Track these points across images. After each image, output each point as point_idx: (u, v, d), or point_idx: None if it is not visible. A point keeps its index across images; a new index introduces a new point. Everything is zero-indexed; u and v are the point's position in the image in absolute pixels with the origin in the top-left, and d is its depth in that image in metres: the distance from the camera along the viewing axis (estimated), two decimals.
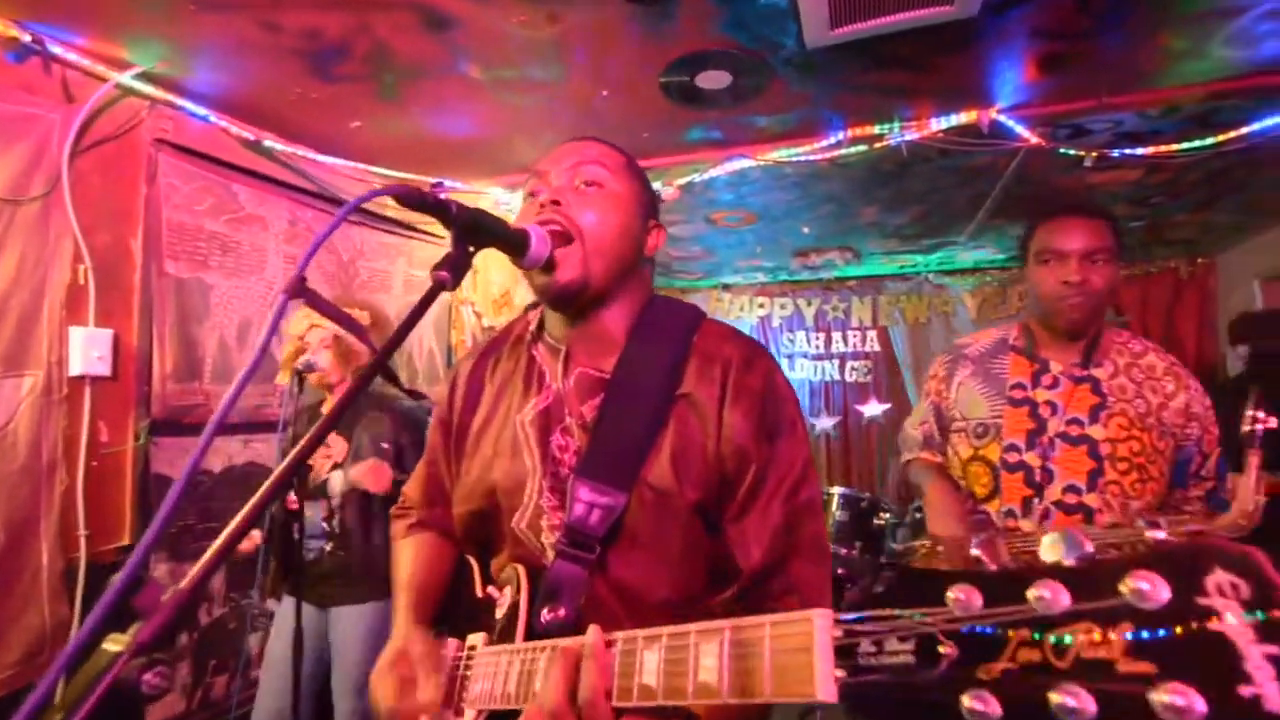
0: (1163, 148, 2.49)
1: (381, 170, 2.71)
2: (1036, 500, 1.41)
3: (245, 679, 2.46)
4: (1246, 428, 1.22)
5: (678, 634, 0.55)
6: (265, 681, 2.11)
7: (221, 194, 2.44)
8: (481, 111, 2.42)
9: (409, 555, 1.01)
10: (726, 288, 5.56)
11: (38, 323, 1.94)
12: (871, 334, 5.34)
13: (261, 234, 2.56)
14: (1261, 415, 1.21)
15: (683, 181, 2.90)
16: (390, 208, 3.17)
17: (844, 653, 0.42)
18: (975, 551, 1.30)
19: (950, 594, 0.36)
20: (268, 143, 2.51)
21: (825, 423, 5.41)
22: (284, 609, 2.08)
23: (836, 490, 3.74)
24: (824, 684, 0.42)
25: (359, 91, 2.28)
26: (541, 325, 0.98)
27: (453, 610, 0.98)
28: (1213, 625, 0.28)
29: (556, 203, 0.87)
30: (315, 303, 0.59)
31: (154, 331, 2.22)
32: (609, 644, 0.62)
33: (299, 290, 0.57)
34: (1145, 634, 0.29)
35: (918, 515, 3.30)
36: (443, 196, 0.73)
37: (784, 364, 5.54)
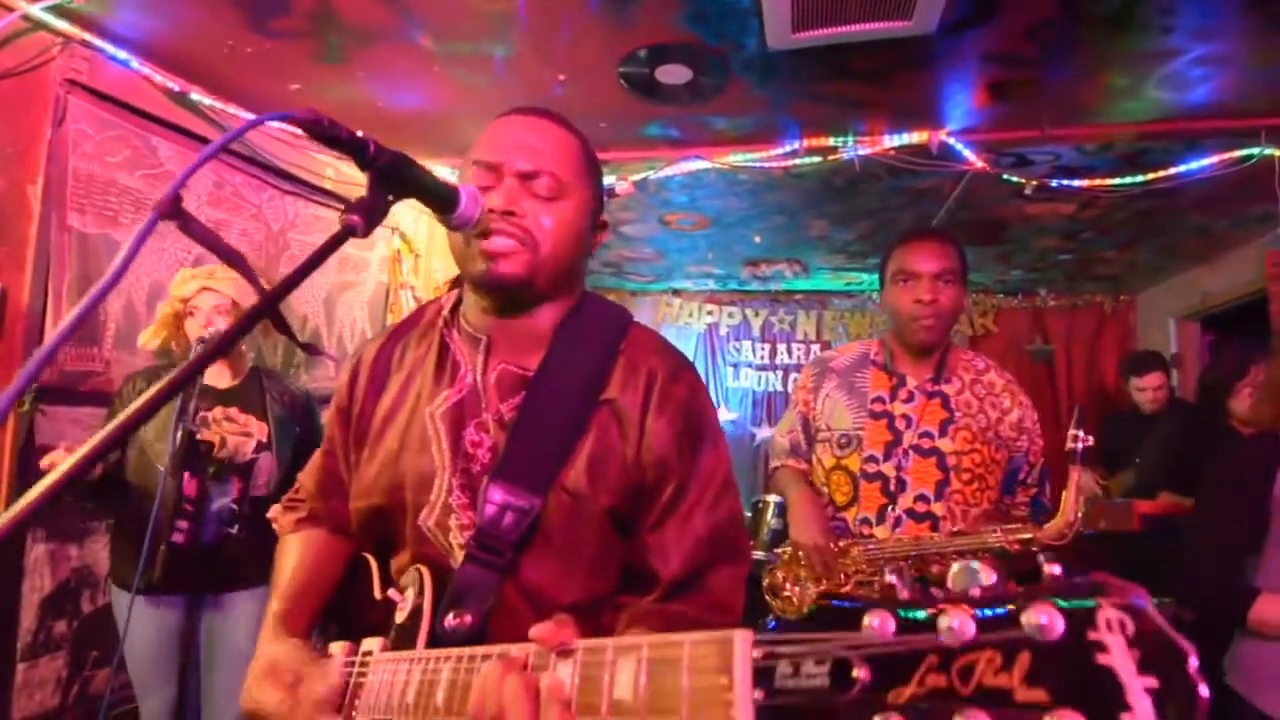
0: (1097, 181, 2.60)
1: None
2: (890, 508, 1.50)
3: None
4: (1069, 445, 1.31)
5: (594, 649, 0.52)
6: (141, 685, 1.90)
7: (139, 146, 2.25)
8: (431, 85, 2.32)
9: (292, 556, 0.92)
10: (676, 293, 5.55)
11: None
12: (815, 348, 5.41)
13: (183, 194, 2.38)
14: (1081, 434, 1.30)
15: (637, 178, 2.86)
16: (330, 180, 3.02)
17: (763, 674, 0.42)
18: (890, 578, 1.33)
19: (866, 620, 0.38)
20: (195, 96, 2.34)
21: (765, 433, 5.44)
22: (142, 604, 1.82)
23: (772, 498, 3.76)
24: (742, 706, 0.42)
25: (299, 50, 2.15)
26: (456, 310, 0.92)
27: (344, 611, 0.91)
28: (1100, 659, 0.30)
29: (511, 213, 0.80)
30: (190, 227, 0.51)
31: (50, 289, 2.03)
32: (523, 659, 0.57)
33: (173, 210, 0.49)
34: (1040, 664, 0.32)
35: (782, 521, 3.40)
36: (360, 134, 0.66)
37: (729, 373, 5.57)
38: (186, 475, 1.83)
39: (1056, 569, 0.35)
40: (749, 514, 3.86)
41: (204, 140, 2.42)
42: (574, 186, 0.84)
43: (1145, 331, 4.76)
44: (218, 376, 2.05)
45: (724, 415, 5.43)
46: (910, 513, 1.49)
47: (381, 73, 2.26)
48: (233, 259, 0.56)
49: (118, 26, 2.06)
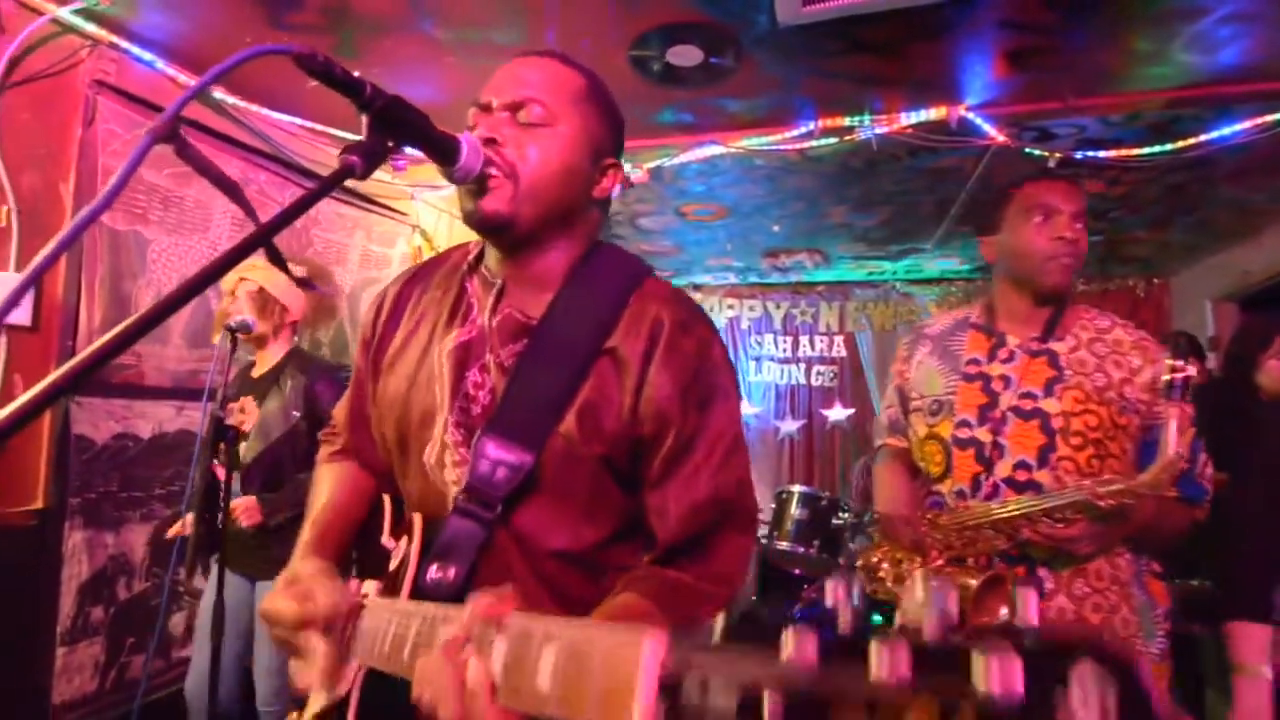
0: (1124, 152, 2.53)
1: (337, 132, 2.62)
2: (985, 477, 1.36)
3: (166, 659, 2.32)
4: (1165, 377, 1.17)
5: (526, 632, 0.49)
6: (195, 657, 2.01)
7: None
8: (442, 76, 2.35)
9: (323, 487, 0.95)
10: (697, 288, 5.54)
11: None
12: (838, 339, 5.36)
13: (208, 191, 2.44)
14: (1180, 364, 1.15)
15: (652, 165, 2.86)
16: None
17: (670, 689, 0.37)
18: (829, 587, 1.25)
19: (785, 642, 0.32)
20: (217, 94, 2.40)
21: (789, 426, 5.40)
22: (212, 581, 1.96)
23: (796, 488, 3.72)
24: (640, 717, 0.38)
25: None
26: (480, 256, 0.92)
27: (363, 552, 0.92)
28: None
29: (492, 140, 0.78)
30: (186, 151, 0.52)
31: (82, 283, 2.09)
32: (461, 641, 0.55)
33: (169, 134, 0.50)
34: None
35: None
36: (357, 75, 0.66)
37: (750, 367, 5.54)
38: (215, 463, 1.88)
39: (1033, 604, 0.28)
40: (773, 505, 3.82)
41: (226, 138, 2.48)
42: (565, 115, 0.81)
43: (1181, 315, 4.62)
44: (259, 366, 2.12)
45: (747, 409, 5.39)
46: (1009, 481, 1.33)
47: (394, 64, 2.29)
48: (228, 187, 0.57)
49: (142, 28, 2.12)
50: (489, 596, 0.55)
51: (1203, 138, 2.42)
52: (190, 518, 2.00)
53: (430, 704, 0.55)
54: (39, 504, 2.01)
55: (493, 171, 0.78)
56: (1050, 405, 1.34)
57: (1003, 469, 1.35)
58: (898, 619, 0.30)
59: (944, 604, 0.29)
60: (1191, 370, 1.15)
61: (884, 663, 0.28)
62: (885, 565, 1.47)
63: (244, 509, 1.92)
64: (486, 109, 0.82)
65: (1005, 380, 1.39)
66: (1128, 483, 1.17)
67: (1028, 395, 1.36)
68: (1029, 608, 0.28)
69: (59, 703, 2.06)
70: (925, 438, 1.48)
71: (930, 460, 1.47)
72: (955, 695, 0.26)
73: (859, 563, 1.54)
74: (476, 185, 0.78)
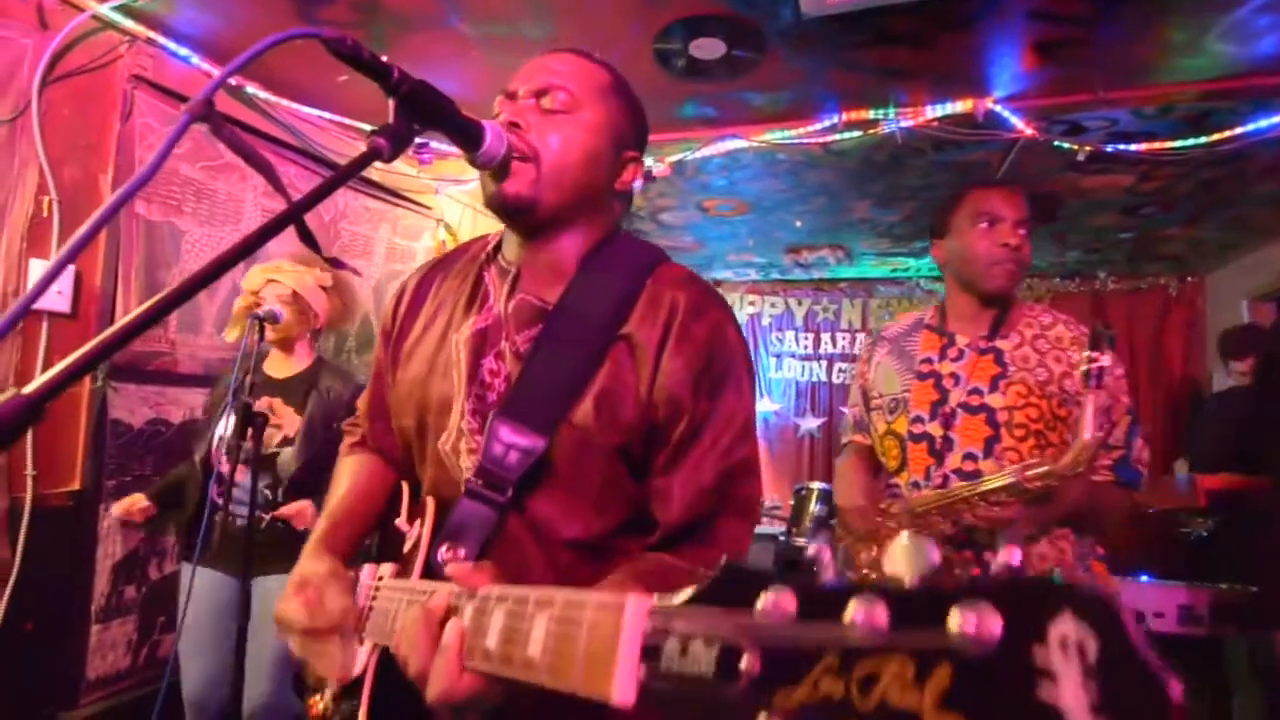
0: (1155, 145, 2.48)
1: (367, 126, 2.66)
2: (935, 468, 1.44)
3: None
4: (1083, 367, 1.21)
5: (520, 599, 0.50)
6: (185, 652, 1.98)
7: (199, 139, 2.37)
8: (469, 70, 2.38)
9: (343, 479, 0.97)
10: (718, 284, 5.52)
11: None
12: (861, 337, 5.31)
13: (240, 184, 2.50)
14: (1096, 354, 1.19)
15: (675, 159, 2.86)
16: (378, 171, 3.12)
17: (651, 651, 0.37)
18: (812, 550, 1.39)
19: (763, 599, 0.31)
20: (250, 89, 2.46)
21: (810, 423, 5.37)
22: (198, 578, 1.92)
23: (816, 485, 3.71)
24: (622, 682, 0.37)
25: None
26: (499, 247, 0.94)
27: (383, 538, 0.95)
28: (1042, 692, 0.23)
29: (515, 124, 0.80)
30: (221, 131, 0.54)
31: (120, 272, 2.16)
32: (470, 594, 0.57)
33: (205, 113, 0.52)
34: (962, 684, 0.24)
35: None
36: (384, 59, 0.68)
37: (771, 363, 5.52)
38: (225, 459, 1.90)
39: (1015, 557, 0.27)
40: (792, 502, 3.81)
41: (259, 133, 2.53)
42: (589, 103, 0.83)
43: (1215, 315, 4.50)
44: (278, 366, 2.14)
45: (767, 406, 5.37)
46: (958, 472, 1.42)
47: (423, 60, 2.32)
48: (261, 166, 0.59)
49: (179, 24, 2.18)
50: (467, 566, 0.58)
51: (1238, 130, 2.36)
52: (138, 499, 2.03)
53: (404, 658, 0.58)
54: (76, 485, 2.08)
55: (515, 155, 0.79)
56: (995, 400, 1.42)
57: (952, 460, 1.43)
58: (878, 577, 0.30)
59: (924, 558, 0.29)
60: (1106, 360, 1.19)
61: (861, 615, 0.27)
62: (862, 554, 1.55)
63: (297, 513, 1.94)
64: (512, 97, 0.84)
65: (955, 378, 1.47)
66: (1051, 465, 1.23)
67: (975, 391, 1.44)
68: (1012, 559, 0.27)
69: (93, 678, 2.13)
70: (884, 434, 1.56)
71: (889, 455, 1.55)
72: (931, 646, 0.25)
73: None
74: (499, 168, 0.80)
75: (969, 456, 1.42)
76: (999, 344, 1.46)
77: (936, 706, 0.24)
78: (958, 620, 0.25)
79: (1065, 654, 0.23)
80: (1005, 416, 1.40)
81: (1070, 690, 0.23)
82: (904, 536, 0.30)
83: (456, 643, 0.53)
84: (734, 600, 0.33)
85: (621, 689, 0.37)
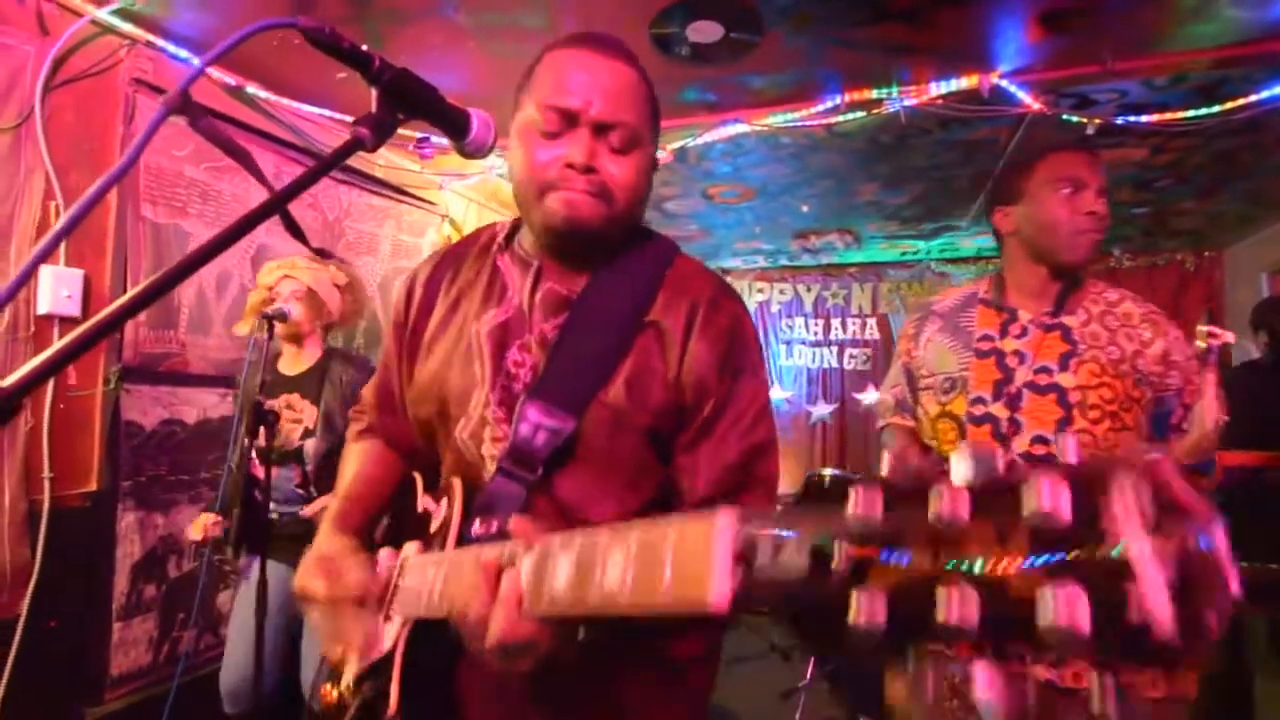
0: (1168, 115, 2.42)
1: None
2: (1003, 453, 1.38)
3: (214, 635, 2.43)
4: (1200, 344, 1.16)
5: (590, 539, 0.52)
6: (230, 641, 2.07)
7: (202, 140, 2.38)
8: (467, 62, 2.37)
9: (351, 464, 1.00)
10: (726, 272, 5.50)
11: (4, 258, 1.90)
12: (871, 322, 5.28)
13: (244, 184, 2.51)
14: (1216, 330, 1.15)
15: (676, 146, 2.85)
16: (381, 169, 3.12)
17: (744, 557, 0.40)
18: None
19: (852, 497, 0.34)
20: (250, 89, 2.46)
21: (821, 410, 5.34)
22: (253, 576, 1.99)
23: (828, 472, 3.69)
24: (717, 589, 0.39)
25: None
26: (511, 236, 0.94)
27: (398, 528, 0.95)
28: (1109, 549, 0.26)
29: (591, 169, 0.79)
30: (199, 123, 0.54)
31: (128, 276, 2.18)
32: (528, 547, 0.59)
33: (181, 105, 0.52)
34: (1042, 558, 0.28)
35: None
36: (365, 48, 0.68)
37: (781, 350, 5.49)
38: (254, 459, 1.93)
39: (1072, 447, 0.31)
40: (805, 488, 3.80)
41: (260, 132, 2.54)
42: (646, 137, 0.84)
43: (1234, 289, 4.42)
44: (291, 364, 2.16)
45: (778, 393, 5.35)
46: (1027, 456, 1.31)
47: (419, 53, 2.32)
48: (239, 155, 0.59)
49: (177, 26, 2.19)
50: (525, 521, 0.60)
51: (1253, 98, 2.30)
52: (208, 518, 2.07)
53: (461, 610, 0.59)
54: (93, 486, 2.11)
55: (587, 199, 0.80)
56: (1066, 379, 1.33)
57: (1020, 444, 1.34)
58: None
59: (992, 467, 0.31)
60: (1229, 336, 1.13)
61: (944, 504, 0.30)
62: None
63: (322, 510, 1.97)
64: (569, 117, 0.81)
65: (1019, 355, 1.38)
66: (1181, 445, 1.16)
67: (1043, 370, 1.35)
68: (1069, 450, 0.30)
69: (116, 674, 2.17)
70: (938, 416, 1.46)
71: (943, 438, 1.45)
72: (1009, 518, 0.29)
73: None
74: (565, 200, 0.80)
75: (1039, 439, 1.32)
76: (1065, 320, 1.36)
77: (1021, 572, 0.28)
78: (1031, 495, 0.28)
79: (1127, 516, 0.27)
80: (1078, 397, 1.31)
81: (1129, 524, 0.26)
82: (960, 447, 0.33)
83: (515, 591, 0.56)
84: (819, 508, 0.36)
85: (718, 593, 0.39)
